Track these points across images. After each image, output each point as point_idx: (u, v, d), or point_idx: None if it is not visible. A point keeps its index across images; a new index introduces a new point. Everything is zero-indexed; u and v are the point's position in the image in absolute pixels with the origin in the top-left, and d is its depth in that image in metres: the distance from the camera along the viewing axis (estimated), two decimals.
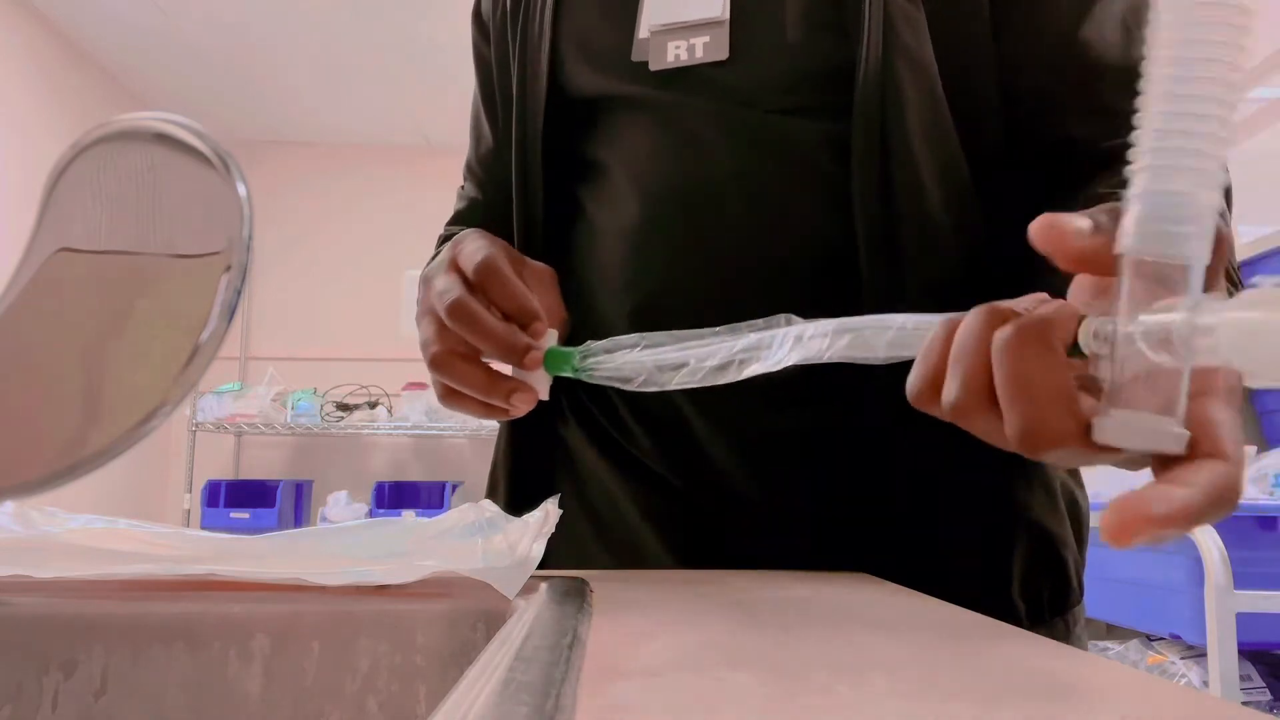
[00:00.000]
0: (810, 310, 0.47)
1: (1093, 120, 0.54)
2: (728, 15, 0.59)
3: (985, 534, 0.57)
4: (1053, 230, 0.32)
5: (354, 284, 3.93)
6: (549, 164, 0.64)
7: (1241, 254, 2.51)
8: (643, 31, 0.61)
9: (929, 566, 0.55)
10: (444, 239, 0.72)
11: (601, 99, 0.63)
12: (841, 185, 0.55)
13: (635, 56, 0.61)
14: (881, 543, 0.56)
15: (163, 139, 0.31)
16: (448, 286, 0.52)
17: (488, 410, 0.53)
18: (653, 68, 0.60)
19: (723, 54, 0.58)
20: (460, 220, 0.75)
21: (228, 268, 0.29)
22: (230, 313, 0.29)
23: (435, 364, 0.55)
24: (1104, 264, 0.31)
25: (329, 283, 3.95)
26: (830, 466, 0.57)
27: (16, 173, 2.91)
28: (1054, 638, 0.57)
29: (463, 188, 0.78)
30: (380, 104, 3.67)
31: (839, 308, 0.50)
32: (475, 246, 0.53)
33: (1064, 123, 0.55)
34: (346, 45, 3.24)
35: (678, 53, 0.59)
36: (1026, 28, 0.56)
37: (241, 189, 0.30)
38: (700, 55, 0.59)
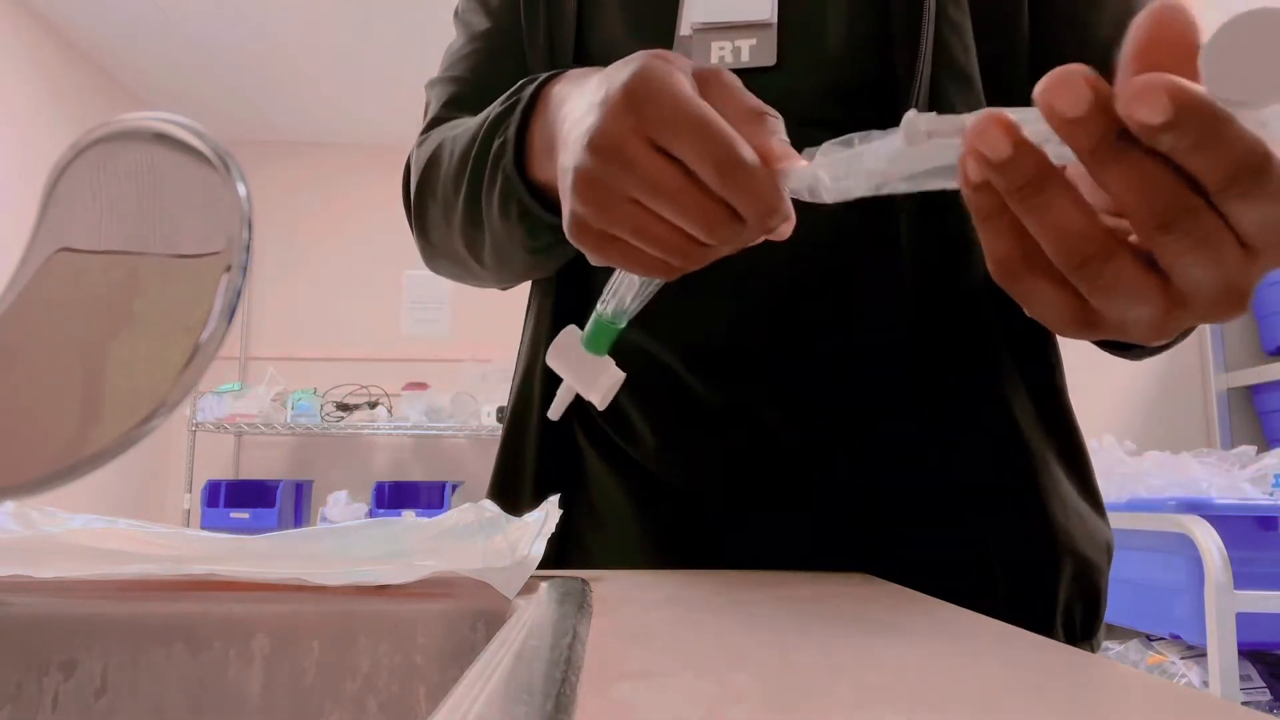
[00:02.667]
0: (847, 305, 0.47)
1: None
2: (776, 18, 0.57)
3: (1033, 563, 0.57)
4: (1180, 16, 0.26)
5: (354, 284, 3.93)
6: None
7: None
8: (683, 29, 0.59)
9: (968, 592, 0.54)
10: (433, 125, 0.67)
11: None
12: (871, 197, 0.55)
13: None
14: (925, 568, 0.55)
15: (163, 139, 0.31)
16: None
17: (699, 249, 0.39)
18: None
19: (771, 59, 0.56)
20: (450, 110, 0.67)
21: (228, 268, 0.29)
22: (230, 313, 0.29)
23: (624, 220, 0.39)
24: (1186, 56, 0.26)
25: (329, 283, 3.95)
26: (852, 483, 0.57)
27: (16, 173, 2.91)
28: None
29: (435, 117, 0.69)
30: (381, 103, 3.67)
31: (881, 303, 0.49)
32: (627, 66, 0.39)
33: None
34: (346, 44, 3.24)
35: (722, 54, 0.57)
36: (1063, 53, 0.57)
37: (241, 189, 0.30)
38: (747, 59, 0.57)
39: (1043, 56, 0.57)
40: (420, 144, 0.65)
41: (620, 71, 0.38)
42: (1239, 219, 0.26)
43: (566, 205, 0.40)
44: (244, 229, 0.29)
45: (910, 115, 0.32)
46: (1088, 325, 0.31)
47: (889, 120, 0.53)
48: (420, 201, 0.64)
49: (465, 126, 0.58)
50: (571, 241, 0.40)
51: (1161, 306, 0.29)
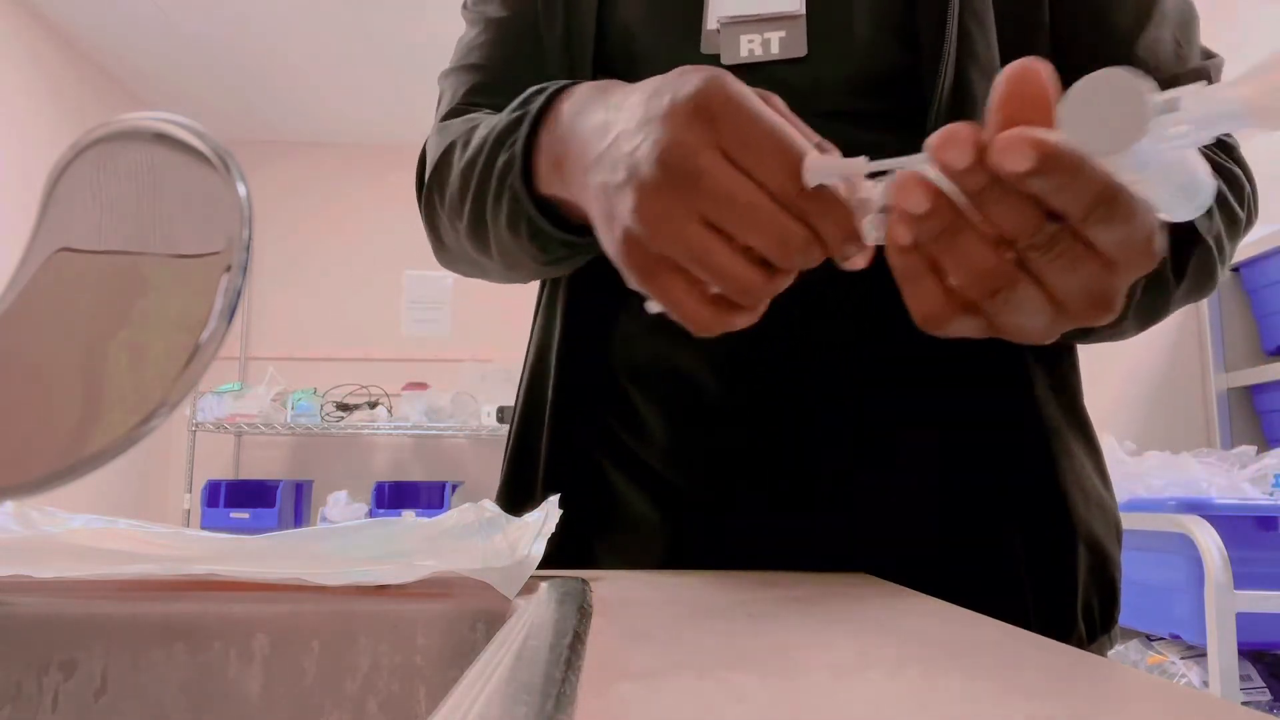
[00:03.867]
0: (865, 307, 0.45)
1: None
2: (804, 9, 0.57)
3: (1053, 557, 0.57)
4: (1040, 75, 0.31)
5: (354, 284, 3.93)
6: None
7: (1241, 254, 2.51)
8: (710, 23, 0.59)
9: (995, 593, 0.55)
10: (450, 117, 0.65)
11: (646, 70, 0.61)
12: None
13: (705, 49, 0.58)
14: (937, 569, 0.55)
15: (163, 139, 0.31)
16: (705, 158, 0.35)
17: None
18: (725, 62, 0.57)
19: (801, 50, 0.56)
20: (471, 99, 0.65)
21: (228, 268, 0.29)
22: (230, 313, 0.29)
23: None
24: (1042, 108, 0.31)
25: (329, 283, 3.95)
26: (875, 480, 0.57)
27: (16, 172, 2.91)
28: (1100, 654, 0.58)
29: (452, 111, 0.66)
30: (381, 103, 3.67)
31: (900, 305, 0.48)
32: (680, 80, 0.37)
33: None
34: (346, 44, 3.24)
35: (751, 47, 0.57)
36: (1084, 40, 0.58)
37: (241, 189, 0.30)
38: (776, 51, 0.57)
39: (1064, 49, 0.58)
40: (437, 132, 0.64)
41: (684, 81, 0.36)
42: (1098, 239, 0.31)
43: (616, 226, 0.37)
44: (244, 229, 0.29)
45: (810, 160, 0.35)
46: (991, 333, 0.36)
47: (916, 109, 0.54)
48: (429, 201, 0.63)
49: (479, 128, 0.57)
50: (619, 265, 0.38)
51: (1050, 314, 0.34)
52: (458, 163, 0.58)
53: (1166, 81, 0.58)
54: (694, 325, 0.38)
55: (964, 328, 0.35)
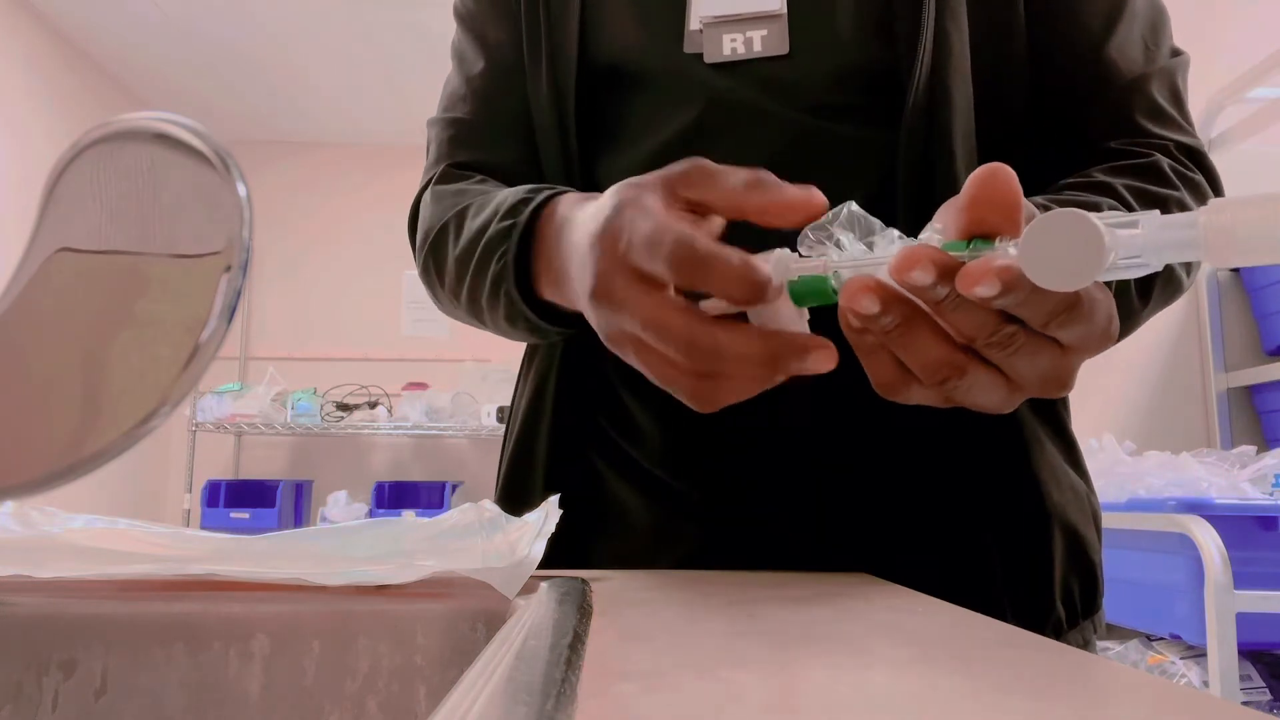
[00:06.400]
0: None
1: (1107, 122, 0.59)
2: (785, 9, 0.58)
3: (1027, 540, 0.57)
4: (1007, 182, 0.33)
5: (354, 284, 3.93)
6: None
7: None
8: (693, 23, 0.60)
9: (967, 575, 0.55)
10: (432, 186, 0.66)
11: (633, 75, 0.61)
12: (875, 188, 0.56)
13: (688, 48, 0.59)
14: (925, 553, 0.56)
15: (163, 139, 0.31)
16: (660, 228, 0.37)
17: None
18: (708, 60, 0.59)
19: (783, 48, 0.58)
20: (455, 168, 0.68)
21: (228, 268, 0.29)
22: (230, 313, 0.29)
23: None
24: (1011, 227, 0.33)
25: (329, 283, 3.95)
26: (858, 472, 0.57)
27: (15, 172, 2.91)
28: (1083, 639, 0.58)
29: (444, 165, 0.68)
30: (381, 103, 3.67)
31: None
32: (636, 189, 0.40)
33: (1080, 119, 0.59)
34: (346, 44, 3.24)
35: (734, 45, 0.58)
36: (1056, 40, 0.59)
37: (241, 189, 0.30)
38: (759, 49, 0.58)
39: (1036, 49, 0.59)
40: (431, 198, 0.65)
41: (600, 215, 0.41)
42: (1058, 336, 0.34)
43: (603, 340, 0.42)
44: (244, 229, 0.29)
45: (779, 253, 0.38)
46: (950, 404, 0.38)
47: (896, 105, 0.55)
48: (426, 270, 0.65)
49: (468, 215, 0.59)
50: None
51: (1005, 392, 0.37)
52: (452, 250, 0.60)
53: (1135, 80, 0.59)
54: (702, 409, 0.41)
55: (920, 397, 0.38)
